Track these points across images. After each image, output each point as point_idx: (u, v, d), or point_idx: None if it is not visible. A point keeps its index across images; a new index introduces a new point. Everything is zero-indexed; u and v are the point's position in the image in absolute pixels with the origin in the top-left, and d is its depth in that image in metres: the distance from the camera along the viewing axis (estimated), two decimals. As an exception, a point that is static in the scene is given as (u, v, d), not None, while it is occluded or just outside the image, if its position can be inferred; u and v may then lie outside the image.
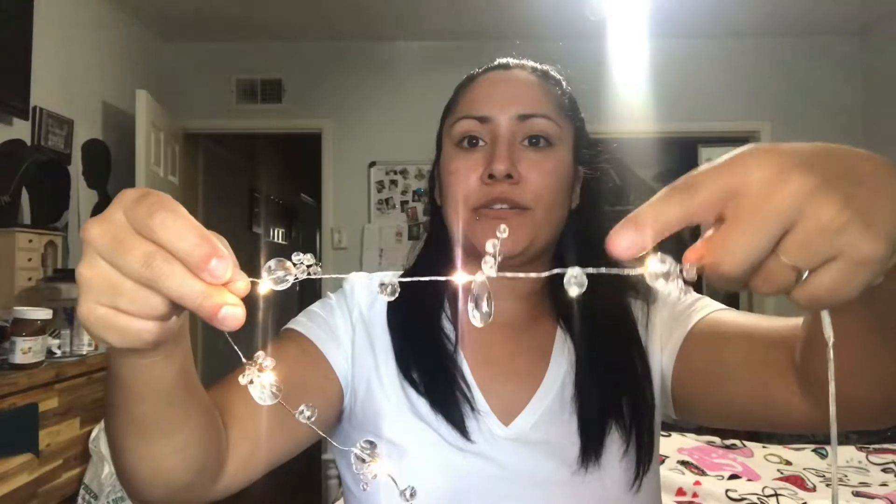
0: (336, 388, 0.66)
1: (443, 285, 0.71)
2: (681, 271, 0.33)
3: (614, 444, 0.63)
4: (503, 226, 0.36)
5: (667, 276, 0.33)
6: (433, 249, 0.74)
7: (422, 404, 0.64)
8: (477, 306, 0.36)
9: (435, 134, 0.75)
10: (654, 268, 0.33)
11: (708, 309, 0.65)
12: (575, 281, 0.34)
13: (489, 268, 0.36)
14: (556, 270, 0.35)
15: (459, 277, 0.37)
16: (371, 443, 0.39)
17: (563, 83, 0.72)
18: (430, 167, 0.76)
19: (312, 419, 0.39)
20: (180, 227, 0.32)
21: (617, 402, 0.64)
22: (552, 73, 0.72)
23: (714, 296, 0.71)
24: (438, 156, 0.73)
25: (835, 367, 0.44)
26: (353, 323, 0.70)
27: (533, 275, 0.37)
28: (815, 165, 0.28)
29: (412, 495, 0.39)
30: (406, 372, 0.65)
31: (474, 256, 0.67)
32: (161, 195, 0.34)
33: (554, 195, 0.65)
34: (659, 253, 0.33)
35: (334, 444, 0.45)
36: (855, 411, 0.47)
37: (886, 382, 0.46)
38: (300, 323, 0.69)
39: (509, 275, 0.36)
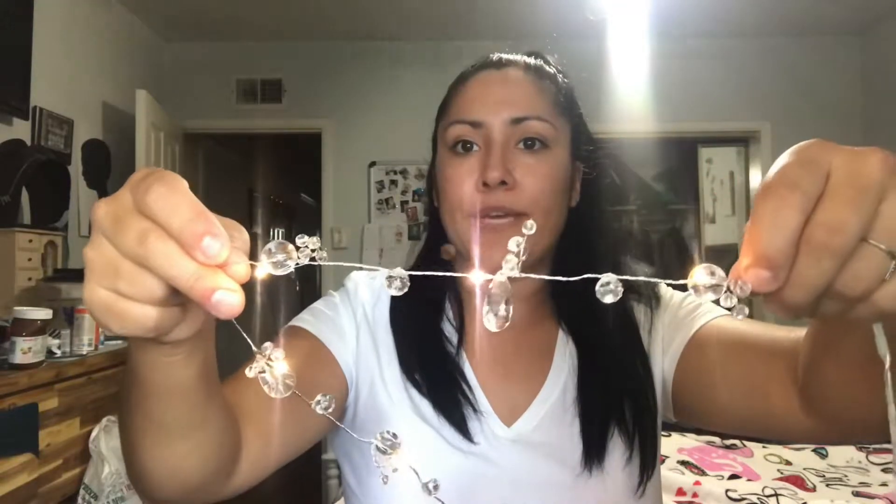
0: (343, 386, 0.66)
1: (446, 286, 0.71)
2: (728, 288, 0.30)
3: (617, 449, 0.63)
4: (530, 222, 0.34)
5: (716, 289, 0.30)
6: (433, 251, 0.73)
7: (425, 405, 0.64)
8: (493, 309, 0.33)
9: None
10: (702, 279, 0.30)
11: (710, 315, 0.65)
12: (608, 289, 0.32)
13: (510, 268, 0.33)
14: (588, 276, 0.32)
15: (477, 276, 0.34)
16: (393, 434, 0.37)
17: (559, 77, 0.70)
18: (428, 167, 0.76)
19: (330, 410, 0.37)
20: (175, 202, 0.30)
21: (619, 405, 0.64)
22: (547, 68, 0.70)
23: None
24: (434, 157, 0.73)
25: (845, 391, 0.43)
26: (357, 322, 0.69)
27: (562, 279, 0.33)
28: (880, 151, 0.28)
29: (435, 488, 0.37)
30: (409, 373, 0.65)
31: (472, 263, 0.68)
32: (164, 172, 0.32)
33: (550, 199, 0.64)
34: (708, 263, 0.30)
35: (354, 435, 0.42)
36: (862, 430, 0.47)
37: None
38: (305, 321, 0.68)
39: (534, 276, 0.34)
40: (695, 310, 0.67)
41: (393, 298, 0.71)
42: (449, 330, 0.69)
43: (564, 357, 0.68)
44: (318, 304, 0.71)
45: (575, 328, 0.69)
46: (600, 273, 0.33)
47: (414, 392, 0.64)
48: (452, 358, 0.66)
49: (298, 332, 0.67)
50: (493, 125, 0.63)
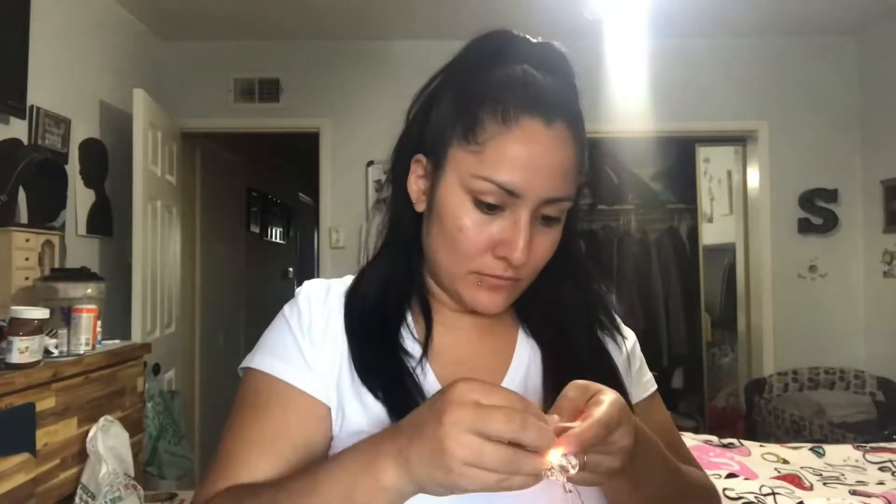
0: (327, 418, 0.64)
1: (413, 286, 0.70)
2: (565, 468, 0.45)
3: None
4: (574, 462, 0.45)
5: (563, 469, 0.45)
6: (401, 257, 0.70)
7: (381, 411, 0.62)
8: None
9: None
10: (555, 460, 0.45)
11: (653, 386, 0.75)
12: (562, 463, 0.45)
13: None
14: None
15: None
16: None
17: (582, 116, 0.64)
18: (395, 155, 0.70)
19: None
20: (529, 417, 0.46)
21: None
22: (580, 114, 0.63)
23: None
24: (429, 156, 0.65)
25: None
26: (313, 339, 0.66)
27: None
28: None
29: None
30: (366, 381, 0.63)
31: (453, 297, 0.68)
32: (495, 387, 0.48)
33: (547, 261, 0.65)
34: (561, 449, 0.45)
35: None
36: None
37: None
38: (265, 363, 0.65)
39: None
40: (643, 368, 0.75)
41: (349, 302, 0.68)
42: (409, 338, 0.67)
43: (525, 351, 0.69)
44: (271, 336, 0.67)
45: (535, 327, 0.70)
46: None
47: (370, 400, 0.62)
48: (409, 371, 0.64)
49: (263, 383, 0.64)
50: (528, 201, 0.59)
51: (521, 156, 0.58)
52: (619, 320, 0.76)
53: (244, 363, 0.67)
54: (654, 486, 0.59)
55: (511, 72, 0.62)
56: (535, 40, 0.66)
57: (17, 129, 2.25)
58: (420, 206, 0.67)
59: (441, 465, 0.44)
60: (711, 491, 0.72)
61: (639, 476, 0.56)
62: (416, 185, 0.67)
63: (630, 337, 0.76)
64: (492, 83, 0.61)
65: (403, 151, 0.68)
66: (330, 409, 0.64)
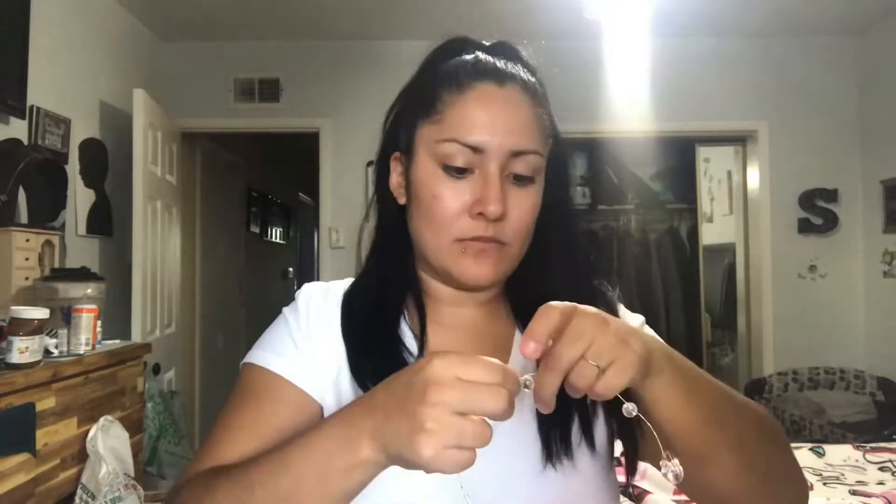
0: (319, 418, 0.64)
1: (408, 289, 0.70)
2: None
3: (582, 442, 0.63)
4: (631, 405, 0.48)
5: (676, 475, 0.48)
6: (395, 251, 0.71)
7: None
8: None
9: None
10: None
11: None
12: (672, 471, 0.48)
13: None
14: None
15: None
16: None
17: (544, 92, 0.68)
18: (378, 155, 0.73)
19: None
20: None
21: (579, 400, 0.63)
22: (538, 86, 0.68)
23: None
24: (391, 145, 0.70)
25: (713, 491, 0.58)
26: (313, 340, 0.67)
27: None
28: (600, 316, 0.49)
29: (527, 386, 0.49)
30: (361, 382, 0.64)
31: (446, 279, 0.68)
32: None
33: (530, 229, 0.66)
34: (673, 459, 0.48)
35: None
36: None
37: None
38: (260, 358, 0.66)
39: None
40: None
41: (345, 304, 0.69)
42: (409, 336, 0.68)
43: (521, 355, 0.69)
44: (272, 334, 0.69)
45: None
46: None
47: None
48: (406, 363, 0.64)
49: (262, 378, 0.65)
50: (493, 155, 0.62)
51: (478, 113, 0.63)
52: (622, 309, 0.74)
53: (244, 360, 0.69)
54: (705, 397, 0.55)
55: (465, 58, 0.67)
56: (488, 43, 0.71)
57: (17, 129, 2.25)
58: (402, 199, 0.69)
59: (420, 446, 0.43)
60: (767, 415, 0.63)
61: (683, 384, 0.52)
62: (396, 181, 0.70)
63: (636, 322, 0.73)
64: (447, 68, 0.67)
65: (383, 158, 0.73)
66: (322, 409, 0.64)
